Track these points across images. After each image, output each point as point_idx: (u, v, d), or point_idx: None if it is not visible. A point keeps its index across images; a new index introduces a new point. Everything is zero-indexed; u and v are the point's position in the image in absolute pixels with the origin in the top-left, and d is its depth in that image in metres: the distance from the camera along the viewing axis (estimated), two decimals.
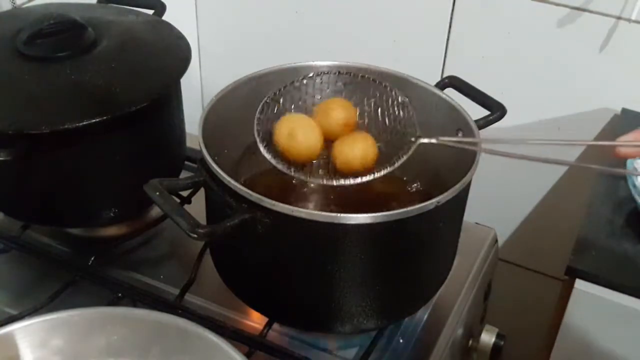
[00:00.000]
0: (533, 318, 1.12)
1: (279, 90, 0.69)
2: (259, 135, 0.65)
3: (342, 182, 0.64)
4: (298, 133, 0.65)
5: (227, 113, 0.72)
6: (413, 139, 0.65)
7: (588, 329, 0.80)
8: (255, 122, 0.66)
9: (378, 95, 0.69)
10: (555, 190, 1.13)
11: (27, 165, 0.71)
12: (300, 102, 0.70)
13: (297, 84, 0.69)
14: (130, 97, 0.70)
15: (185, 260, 0.80)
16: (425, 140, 0.65)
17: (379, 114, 0.69)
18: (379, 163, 0.66)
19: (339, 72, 0.71)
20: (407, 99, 0.68)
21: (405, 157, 0.64)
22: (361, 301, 0.65)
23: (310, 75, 0.70)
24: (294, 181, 0.78)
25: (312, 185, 0.79)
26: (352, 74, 0.71)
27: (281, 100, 0.68)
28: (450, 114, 0.72)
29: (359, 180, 0.64)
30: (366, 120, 0.70)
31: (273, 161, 0.64)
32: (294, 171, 0.64)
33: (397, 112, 0.68)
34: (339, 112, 0.67)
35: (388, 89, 0.69)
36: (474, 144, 0.66)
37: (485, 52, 1.06)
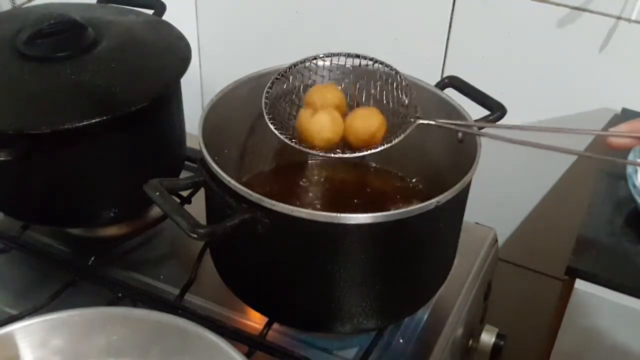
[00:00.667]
0: (533, 318, 1.12)
1: (290, 67, 0.71)
2: (266, 107, 0.68)
3: (340, 155, 0.66)
4: (331, 127, 0.66)
5: (227, 113, 0.72)
6: (412, 120, 0.66)
7: (588, 329, 0.80)
8: (264, 95, 0.69)
9: (384, 78, 0.71)
10: (555, 191, 1.13)
11: (27, 165, 0.71)
12: (310, 81, 0.72)
13: (307, 63, 0.72)
14: (130, 97, 0.70)
15: (185, 260, 0.80)
16: (424, 122, 0.67)
17: (384, 96, 0.70)
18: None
19: (348, 55, 0.73)
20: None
21: (403, 136, 0.66)
22: (361, 301, 0.65)
23: (321, 55, 0.72)
24: (301, 182, 0.79)
25: (312, 185, 0.79)
26: (360, 56, 0.72)
27: (291, 78, 0.71)
28: (450, 114, 0.72)
29: (357, 154, 0.65)
30: (371, 102, 0.71)
31: (277, 132, 0.67)
32: (296, 143, 0.66)
33: (400, 96, 0.70)
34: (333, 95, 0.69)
35: (394, 72, 0.70)
36: (470, 126, 0.67)
37: (485, 52, 1.06)
